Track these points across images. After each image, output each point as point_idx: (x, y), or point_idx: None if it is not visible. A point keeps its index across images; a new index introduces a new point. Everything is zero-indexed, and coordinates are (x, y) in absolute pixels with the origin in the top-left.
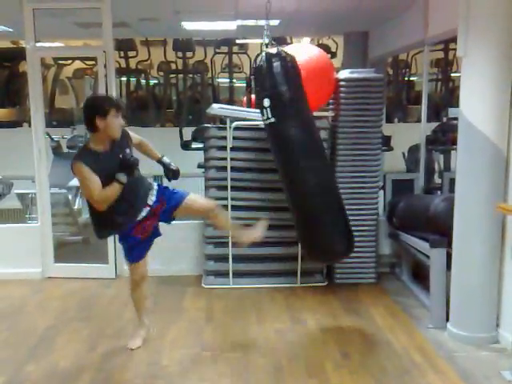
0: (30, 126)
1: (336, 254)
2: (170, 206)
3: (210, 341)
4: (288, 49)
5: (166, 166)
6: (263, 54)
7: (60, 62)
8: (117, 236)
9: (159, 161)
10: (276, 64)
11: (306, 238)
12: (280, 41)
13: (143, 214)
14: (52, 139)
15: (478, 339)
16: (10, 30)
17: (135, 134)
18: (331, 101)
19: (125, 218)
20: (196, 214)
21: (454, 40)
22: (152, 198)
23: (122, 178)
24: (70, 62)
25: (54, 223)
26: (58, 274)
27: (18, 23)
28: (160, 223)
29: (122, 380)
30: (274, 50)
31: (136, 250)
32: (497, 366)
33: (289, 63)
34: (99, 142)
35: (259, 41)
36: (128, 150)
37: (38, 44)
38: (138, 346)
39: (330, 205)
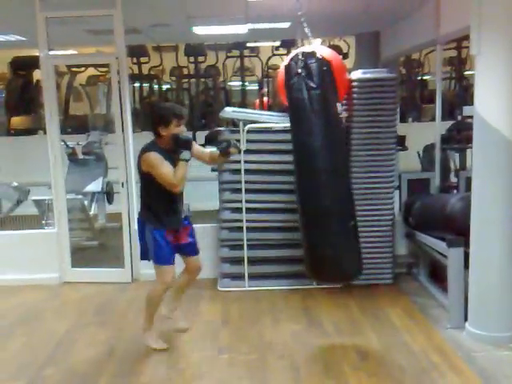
0: (45, 133)
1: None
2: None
3: (226, 343)
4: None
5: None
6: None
7: (73, 69)
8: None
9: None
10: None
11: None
12: (291, 43)
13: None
14: (67, 146)
15: (497, 338)
16: (24, 39)
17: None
18: (344, 101)
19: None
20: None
21: (466, 38)
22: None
23: (187, 155)
24: (83, 69)
25: (70, 229)
26: (75, 278)
27: (31, 32)
28: None
29: None
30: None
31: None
32: None
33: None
34: (163, 143)
35: (270, 44)
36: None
37: (52, 52)
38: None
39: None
